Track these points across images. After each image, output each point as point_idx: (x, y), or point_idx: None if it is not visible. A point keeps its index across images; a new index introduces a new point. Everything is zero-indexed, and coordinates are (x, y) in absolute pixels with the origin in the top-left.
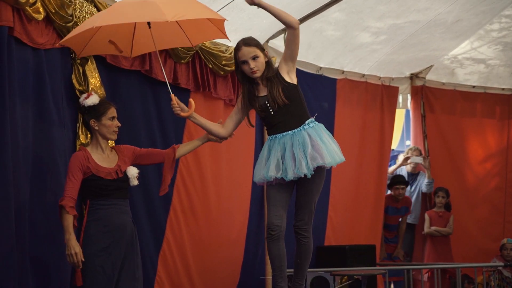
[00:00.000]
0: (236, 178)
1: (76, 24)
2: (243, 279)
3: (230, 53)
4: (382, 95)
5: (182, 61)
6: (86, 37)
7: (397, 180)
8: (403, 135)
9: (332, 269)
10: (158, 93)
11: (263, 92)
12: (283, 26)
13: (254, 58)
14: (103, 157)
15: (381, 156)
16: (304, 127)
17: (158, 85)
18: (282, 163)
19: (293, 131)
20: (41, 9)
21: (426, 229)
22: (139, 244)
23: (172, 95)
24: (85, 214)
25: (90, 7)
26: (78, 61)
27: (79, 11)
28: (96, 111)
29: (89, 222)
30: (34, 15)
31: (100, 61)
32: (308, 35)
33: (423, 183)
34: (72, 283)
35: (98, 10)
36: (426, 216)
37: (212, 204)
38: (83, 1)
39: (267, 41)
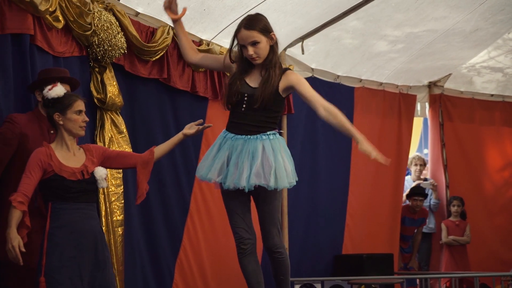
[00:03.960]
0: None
1: (94, 33)
2: None
3: None
4: (400, 104)
5: (200, 70)
6: None
7: (416, 192)
8: (421, 143)
9: (349, 277)
10: (176, 102)
11: (253, 81)
12: (300, 35)
13: (254, 43)
14: (69, 156)
15: (398, 165)
16: (263, 136)
17: (176, 93)
18: (227, 167)
19: (248, 137)
20: (60, 18)
21: (444, 238)
22: (155, 251)
23: None
24: (47, 219)
25: (109, 15)
26: (97, 69)
27: (97, 20)
28: (61, 104)
29: (53, 229)
30: (54, 23)
31: (118, 69)
32: (326, 43)
33: (431, 198)
34: None
35: (117, 18)
36: (443, 225)
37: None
38: (102, 9)
39: (285, 49)
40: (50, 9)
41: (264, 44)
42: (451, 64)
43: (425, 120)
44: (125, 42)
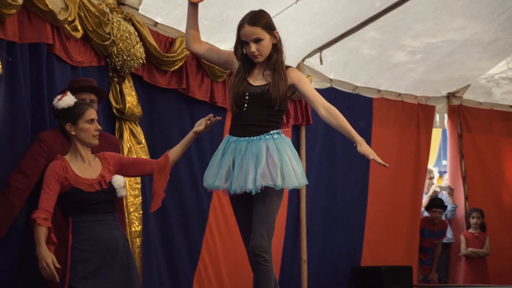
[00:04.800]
0: None
1: (113, 43)
2: None
3: None
4: (418, 114)
5: (218, 80)
6: None
7: (435, 203)
8: (439, 154)
9: None
10: (195, 112)
11: (255, 80)
12: (319, 45)
13: (257, 40)
14: (84, 167)
15: (417, 176)
16: (266, 136)
17: (195, 103)
18: (232, 171)
19: (251, 138)
20: (79, 27)
21: (463, 250)
22: (174, 263)
23: None
24: (69, 234)
25: (128, 25)
26: (115, 79)
27: (116, 30)
28: (72, 114)
29: (76, 243)
30: (72, 33)
31: (137, 79)
32: (344, 53)
33: (448, 204)
34: None
35: (136, 28)
36: (462, 237)
37: None
38: (121, 19)
39: (303, 59)
40: (69, 18)
41: (267, 41)
42: (470, 75)
43: (444, 131)
44: (144, 52)
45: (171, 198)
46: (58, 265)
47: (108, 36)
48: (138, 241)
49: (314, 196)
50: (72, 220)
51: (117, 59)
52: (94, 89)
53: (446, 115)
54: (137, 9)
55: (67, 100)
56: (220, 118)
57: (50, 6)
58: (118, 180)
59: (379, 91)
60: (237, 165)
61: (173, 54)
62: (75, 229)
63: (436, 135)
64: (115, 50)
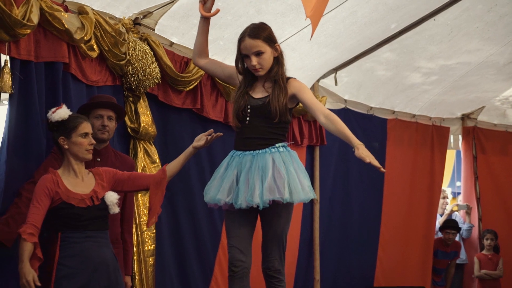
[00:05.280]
0: None
1: (129, 62)
2: None
3: None
4: (432, 136)
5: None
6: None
7: (448, 225)
8: (453, 175)
9: None
10: None
11: (257, 93)
12: (334, 66)
13: (258, 54)
14: (76, 182)
15: (431, 197)
16: (272, 149)
17: (209, 123)
18: (236, 186)
19: (257, 151)
20: (95, 47)
21: (476, 272)
22: (187, 282)
23: None
24: (56, 249)
25: (144, 45)
26: (130, 98)
27: (132, 49)
28: (65, 127)
29: (62, 258)
30: (88, 52)
31: (152, 98)
32: (359, 74)
33: (463, 227)
34: None
35: (151, 48)
36: (476, 259)
37: (260, 243)
38: (137, 39)
39: (318, 80)
40: (85, 38)
41: (268, 54)
42: (485, 97)
43: (458, 152)
44: (159, 72)
45: (184, 216)
46: (38, 283)
47: (124, 55)
48: (151, 260)
49: (327, 216)
50: (61, 236)
51: (132, 79)
52: (113, 106)
53: (460, 137)
54: (153, 29)
55: (61, 112)
56: (221, 134)
57: (66, 26)
58: (111, 197)
59: (393, 112)
60: (243, 180)
61: (188, 74)
62: (63, 245)
63: (450, 156)
64: (130, 70)
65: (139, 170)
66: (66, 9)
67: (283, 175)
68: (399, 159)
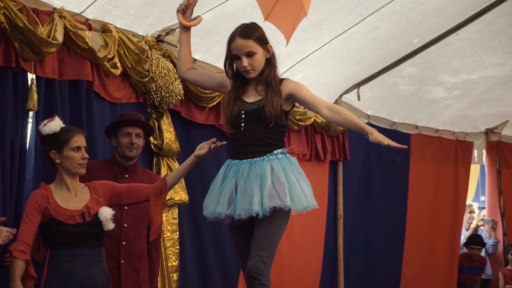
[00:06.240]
0: (308, 232)
1: (152, 79)
2: None
3: (304, 108)
4: (456, 150)
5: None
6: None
7: (474, 240)
8: (477, 190)
9: None
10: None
11: (250, 97)
12: (356, 81)
13: (249, 54)
14: (69, 197)
15: (455, 212)
16: (270, 157)
17: None
18: (235, 196)
19: (254, 159)
20: (118, 64)
21: None
22: None
23: None
24: (45, 267)
25: (167, 62)
26: (154, 115)
27: (155, 66)
28: (57, 141)
29: (49, 276)
30: (112, 70)
31: (175, 115)
32: (382, 90)
33: (489, 242)
34: None
35: (175, 65)
36: (500, 274)
37: (285, 258)
38: (160, 56)
39: (341, 95)
40: (109, 56)
41: (260, 55)
42: (508, 111)
43: (482, 167)
44: (182, 89)
45: (208, 233)
46: None
47: (147, 73)
48: (175, 276)
49: (351, 231)
50: (50, 253)
51: (155, 96)
52: (141, 123)
53: (484, 151)
54: (176, 46)
55: (53, 125)
56: (225, 142)
57: (90, 44)
58: (105, 212)
59: (416, 127)
60: (241, 189)
61: (210, 91)
62: (51, 263)
63: (474, 170)
64: (153, 87)
65: None
66: (90, 28)
67: (283, 182)
68: (423, 174)
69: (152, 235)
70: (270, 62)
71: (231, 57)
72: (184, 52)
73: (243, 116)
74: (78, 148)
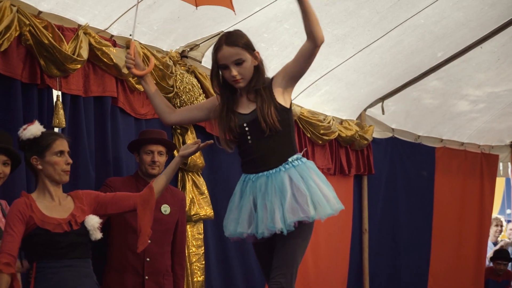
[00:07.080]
0: (334, 246)
1: (177, 95)
2: None
3: (328, 122)
4: (481, 163)
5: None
6: None
7: (500, 255)
8: (503, 203)
9: None
10: None
11: (245, 108)
12: (380, 95)
13: (238, 63)
14: (53, 206)
15: (481, 225)
16: (286, 166)
17: None
18: (255, 213)
19: (270, 172)
20: None
21: None
22: None
23: (133, 43)
24: (31, 281)
25: (191, 78)
26: (178, 130)
27: (180, 82)
28: (38, 145)
29: None
30: (136, 86)
31: (200, 130)
32: (406, 103)
33: None
34: None
35: (199, 80)
36: None
37: (310, 269)
38: (184, 72)
39: (365, 109)
40: None
41: (249, 63)
42: None
43: (508, 180)
44: None
45: (233, 248)
46: None
47: (172, 88)
48: None
49: (377, 244)
50: (36, 266)
51: None
52: (163, 142)
53: (510, 164)
54: (200, 61)
55: (33, 129)
56: (212, 141)
57: (114, 60)
58: (92, 221)
59: (441, 140)
60: (260, 205)
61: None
62: (39, 277)
63: (500, 183)
64: (178, 102)
65: (188, 201)
66: (114, 44)
67: (304, 192)
68: (448, 188)
69: (140, 246)
70: (259, 68)
71: (218, 67)
72: (157, 100)
73: (246, 129)
74: (61, 152)
